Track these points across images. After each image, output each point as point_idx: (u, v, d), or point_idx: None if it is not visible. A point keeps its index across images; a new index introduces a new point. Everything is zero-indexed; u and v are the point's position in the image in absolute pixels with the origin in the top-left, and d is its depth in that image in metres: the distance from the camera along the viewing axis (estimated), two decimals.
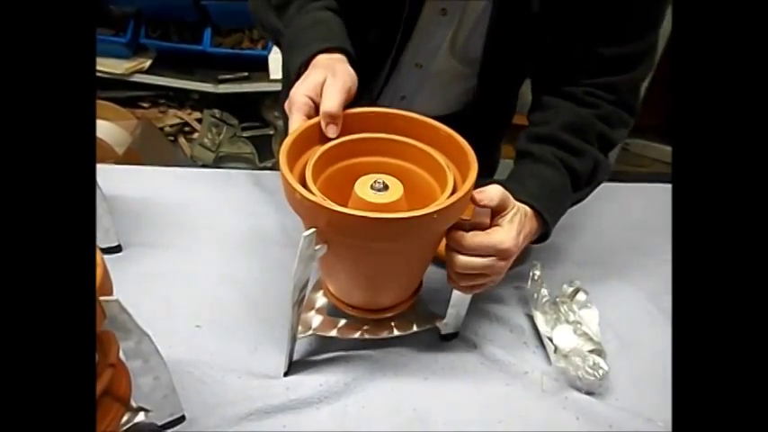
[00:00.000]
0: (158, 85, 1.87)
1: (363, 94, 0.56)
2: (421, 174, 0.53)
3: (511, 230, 0.52)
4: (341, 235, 0.47)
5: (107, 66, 1.81)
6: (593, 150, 0.61)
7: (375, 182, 0.49)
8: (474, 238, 0.51)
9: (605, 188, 0.94)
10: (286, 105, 0.53)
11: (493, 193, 0.50)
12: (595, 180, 0.64)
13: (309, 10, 0.61)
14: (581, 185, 0.62)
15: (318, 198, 0.45)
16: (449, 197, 0.47)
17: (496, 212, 0.51)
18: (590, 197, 0.88)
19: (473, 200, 0.49)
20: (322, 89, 0.51)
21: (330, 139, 0.52)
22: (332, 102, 0.50)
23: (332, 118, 0.51)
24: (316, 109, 0.52)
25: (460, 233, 0.51)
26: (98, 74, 1.81)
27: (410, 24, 0.63)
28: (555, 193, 0.59)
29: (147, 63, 1.85)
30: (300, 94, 0.51)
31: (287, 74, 0.65)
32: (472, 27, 0.63)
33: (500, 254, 0.51)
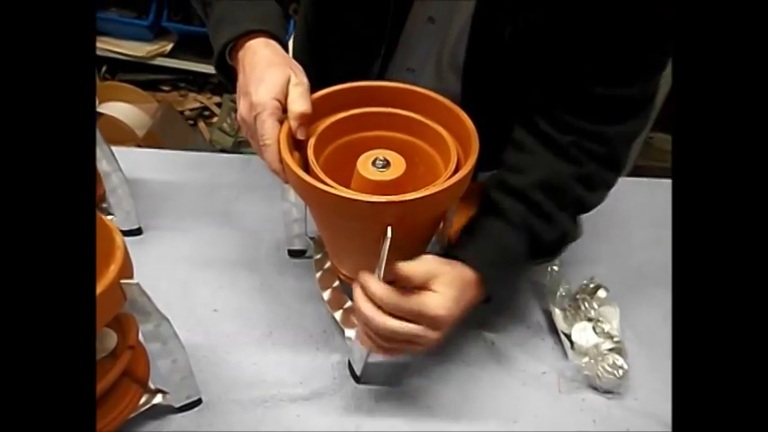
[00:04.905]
0: (179, 68, 1.87)
1: None
2: (424, 147, 0.53)
3: (447, 297, 0.46)
4: (342, 217, 0.47)
5: (129, 48, 1.82)
6: (565, 218, 0.55)
7: (376, 159, 0.48)
8: (395, 294, 0.45)
9: (627, 183, 0.93)
10: (244, 108, 0.49)
11: (420, 268, 0.46)
12: (559, 250, 0.59)
13: None
14: (541, 255, 0.57)
15: (303, 174, 0.45)
16: (449, 178, 0.46)
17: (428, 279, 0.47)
18: (611, 193, 0.87)
19: (394, 271, 0.46)
20: (287, 89, 0.49)
21: (331, 116, 0.51)
22: (306, 103, 0.48)
23: (306, 119, 0.48)
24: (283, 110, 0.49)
25: (381, 286, 0.45)
26: (120, 56, 1.83)
27: (396, 31, 0.58)
28: (508, 263, 0.53)
29: (169, 46, 1.85)
30: (269, 98, 0.47)
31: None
32: (458, 34, 0.57)
33: (431, 322, 0.45)
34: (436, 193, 0.44)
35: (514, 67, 0.51)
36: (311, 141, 0.49)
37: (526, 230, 0.53)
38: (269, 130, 0.47)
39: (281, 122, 0.48)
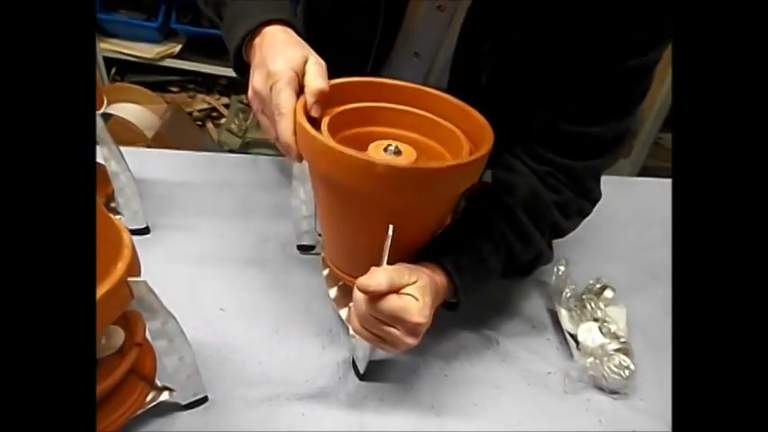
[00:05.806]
0: (188, 70, 1.89)
1: None
2: (434, 146, 0.52)
3: (423, 304, 0.45)
4: (354, 191, 0.46)
5: (138, 50, 1.84)
6: (541, 241, 0.57)
7: (389, 146, 0.48)
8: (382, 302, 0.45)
9: (635, 183, 0.93)
10: (260, 79, 0.49)
11: (380, 278, 0.44)
12: (529, 271, 0.60)
13: None
14: (513, 274, 0.58)
15: (321, 136, 0.44)
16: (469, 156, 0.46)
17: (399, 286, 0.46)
18: (618, 193, 0.87)
19: (360, 288, 0.45)
20: (304, 67, 0.48)
21: (342, 105, 0.51)
22: (324, 81, 0.47)
23: (323, 97, 0.47)
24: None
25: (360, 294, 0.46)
26: (129, 58, 1.85)
27: (380, 62, 0.59)
28: (482, 276, 0.54)
29: (178, 48, 1.87)
30: (287, 68, 0.47)
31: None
32: (442, 68, 0.58)
33: (408, 327, 0.45)
34: (453, 166, 0.43)
35: (491, 104, 0.53)
36: (325, 120, 0.48)
37: (504, 248, 0.55)
38: (285, 99, 0.46)
39: (297, 95, 0.47)
